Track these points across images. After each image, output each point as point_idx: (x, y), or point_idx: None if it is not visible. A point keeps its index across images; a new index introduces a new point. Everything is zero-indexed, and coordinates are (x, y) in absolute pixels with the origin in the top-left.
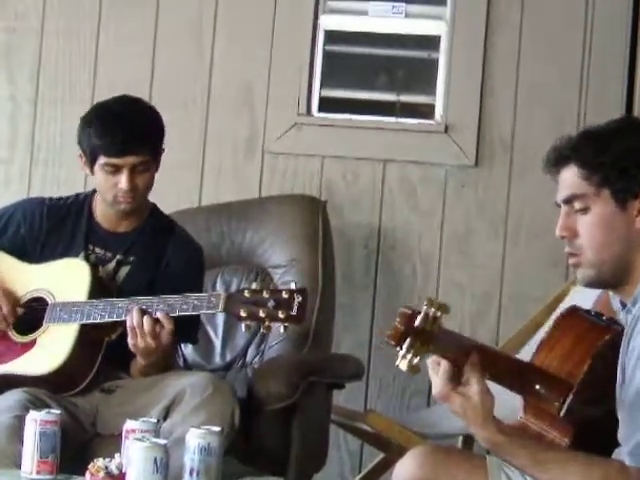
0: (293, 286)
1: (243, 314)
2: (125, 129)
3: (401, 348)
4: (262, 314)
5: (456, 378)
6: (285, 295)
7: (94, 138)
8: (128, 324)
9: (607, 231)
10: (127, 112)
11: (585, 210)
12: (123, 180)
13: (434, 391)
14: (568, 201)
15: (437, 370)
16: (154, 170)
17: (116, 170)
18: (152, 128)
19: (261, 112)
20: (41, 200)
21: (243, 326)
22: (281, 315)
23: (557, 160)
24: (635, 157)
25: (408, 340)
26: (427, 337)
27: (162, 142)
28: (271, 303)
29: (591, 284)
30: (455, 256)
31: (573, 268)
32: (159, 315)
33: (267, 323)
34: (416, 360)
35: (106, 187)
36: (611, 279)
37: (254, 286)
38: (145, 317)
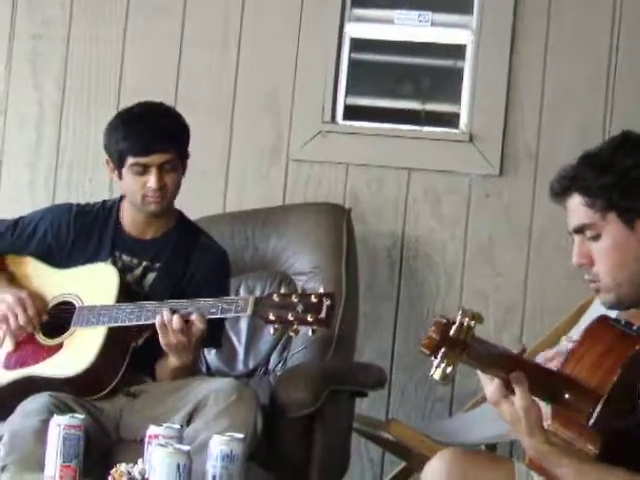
0: (322, 290)
1: (272, 317)
2: (150, 128)
3: (435, 357)
4: (291, 317)
5: (508, 386)
6: (314, 299)
7: (121, 141)
8: (158, 322)
9: (620, 254)
10: (150, 113)
11: (597, 237)
12: (152, 179)
13: (487, 396)
14: (579, 230)
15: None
16: (181, 172)
17: (144, 170)
18: (176, 127)
19: (286, 119)
20: (68, 207)
21: (271, 329)
22: (310, 319)
23: (561, 191)
24: (636, 175)
25: (442, 349)
26: (461, 347)
27: (187, 142)
28: (300, 307)
29: (613, 307)
30: (479, 266)
31: (594, 292)
32: (193, 316)
33: (296, 326)
34: (449, 369)
35: (135, 188)
36: (632, 299)
37: (283, 290)
38: (175, 315)
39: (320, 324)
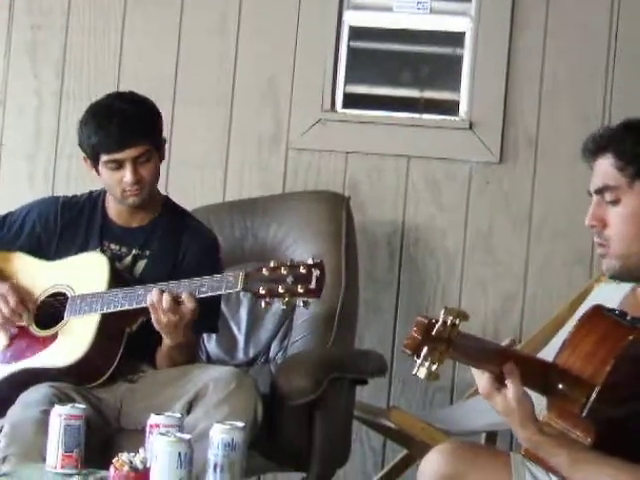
0: (310, 261)
1: (262, 291)
2: (119, 123)
3: (418, 357)
4: (281, 290)
5: (500, 378)
6: (303, 270)
7: (92, 137)
8: (148, 301)
9: (637, 224)
10: (119, 106)
11: (616, 202)
12: (127, 174)
13: (479, 390)
14: (600, 191)
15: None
16: (157, 160)
17: (119, 165)
18: (146, 118)
19: (285, 108)
20: (55, 199)
21: (262, 303)
22: (300, 290)
23: (595, 148)
24: None
25: (425, 349)
26: (445, 345)
27: (161, 131)
28: (289, 279)
29: (616, 275)
30: (479, 253)
31: (600, 257)
32: (183, 295)
33: (287, 298)
34: (434, 367)
35: (112, 184)
36: (636, 271)
37: (272, 263)
38: (164, 294)
39: (310, 294)
